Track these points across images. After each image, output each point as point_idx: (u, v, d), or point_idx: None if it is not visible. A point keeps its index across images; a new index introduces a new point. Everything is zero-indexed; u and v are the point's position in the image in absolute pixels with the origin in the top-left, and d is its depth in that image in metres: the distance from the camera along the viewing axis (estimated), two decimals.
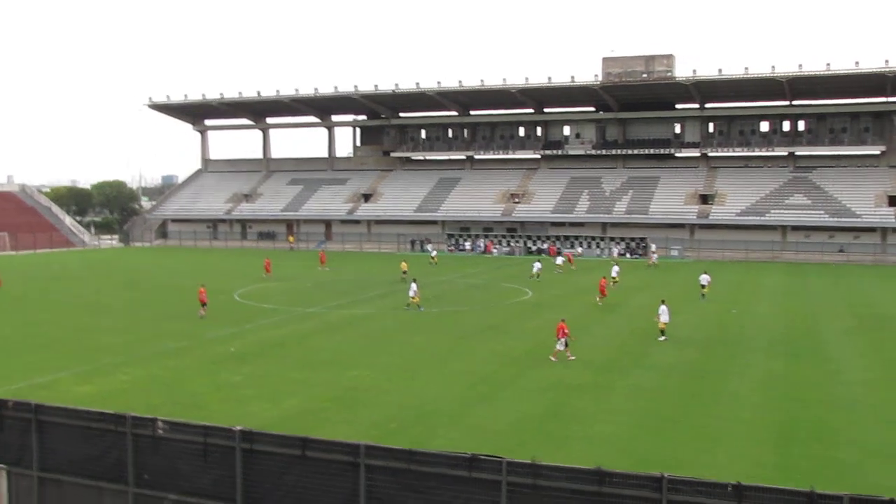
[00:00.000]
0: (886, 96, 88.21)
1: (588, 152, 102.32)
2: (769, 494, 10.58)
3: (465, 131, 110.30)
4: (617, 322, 38.75)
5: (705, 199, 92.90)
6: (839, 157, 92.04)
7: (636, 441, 19.68)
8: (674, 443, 19.60)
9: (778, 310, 43.16)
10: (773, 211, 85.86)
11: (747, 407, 22.98)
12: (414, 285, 41.71)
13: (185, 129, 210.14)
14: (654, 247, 70.00)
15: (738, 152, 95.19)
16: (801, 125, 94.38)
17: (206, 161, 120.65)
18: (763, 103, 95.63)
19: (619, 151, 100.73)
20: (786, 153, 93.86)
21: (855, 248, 79.82)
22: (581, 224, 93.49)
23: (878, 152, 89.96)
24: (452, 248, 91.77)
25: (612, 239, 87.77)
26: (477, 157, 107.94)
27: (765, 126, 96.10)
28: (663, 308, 33.52)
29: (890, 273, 66.59)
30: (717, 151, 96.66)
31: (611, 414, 22.21)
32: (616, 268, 55.34)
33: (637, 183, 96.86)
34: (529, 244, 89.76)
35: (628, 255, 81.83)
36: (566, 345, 29.10)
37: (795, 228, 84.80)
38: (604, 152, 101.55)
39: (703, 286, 47.38)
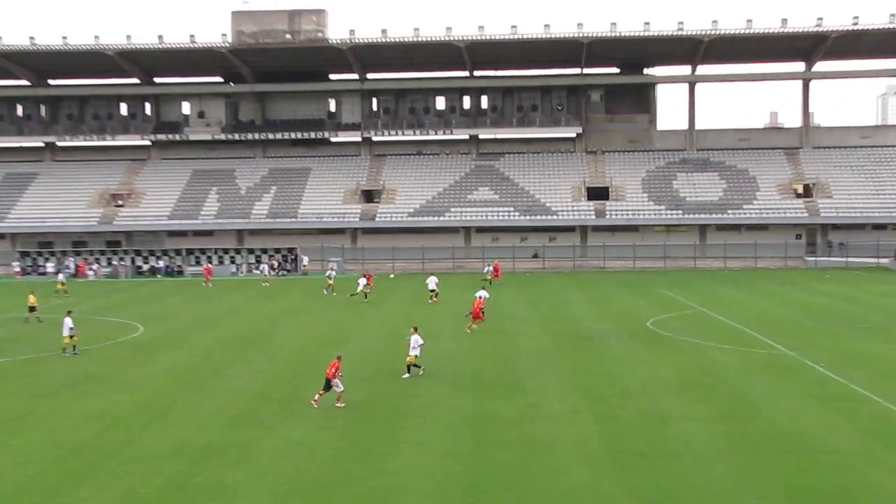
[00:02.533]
0: (581, 67, 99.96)
1: (216, 137, 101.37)
2: None
3: (44, 108, 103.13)
4: (259, 357, 39.14)
5: (370, 195, 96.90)
6: (530, 142, 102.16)
7: None
8: None
9: (463, 332, 46.61)
10: (454, 209, 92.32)
11: (432, 456, 23.90)
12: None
13: None
14: (488, 268, 71.33)
15: (409, 136, 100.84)
16: (485, 102, 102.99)
17: None
18: (439, 74, 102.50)
19: (257, 136, 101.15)
20: (467, 136, 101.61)
21: (552, 251, 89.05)
22: (209, 233, 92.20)
23: (573, 135, 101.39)
24: (29, 269, 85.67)
25: (250, 251, 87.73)
26: (61, 143, 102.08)
27: (441, 103, 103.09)
28: (415, 337, 35.03)
29: (590, 280, 75.13)
30: (382, 135, 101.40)
31: (253, 482, 21.97)
32: (433, 279, 61.61)
33: (282, 177, 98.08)
34: (140, 261, 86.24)
35: (274, 271, 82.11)
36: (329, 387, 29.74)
37: (482, 230, 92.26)
38: (237, 137, 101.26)
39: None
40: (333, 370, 29.82)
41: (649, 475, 22.06)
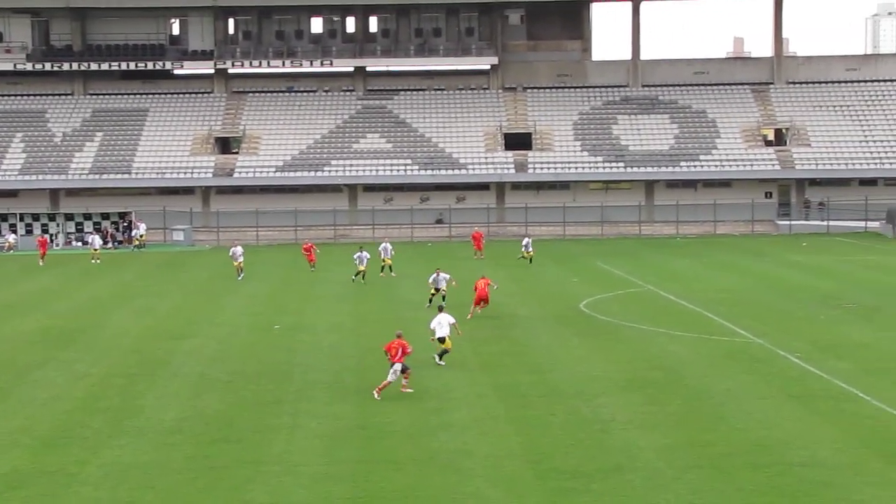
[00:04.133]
0: None
1: (19, 67, 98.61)
2: None
3: None
4: (81, 357, 38.69)
5: (226, 144, 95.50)
6: (431, 75, 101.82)
7: None
8: None
9: (346, 319, 46.87)
10: (335, 162, 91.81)
11: (305, 479, 23.91)
12: None
13: None
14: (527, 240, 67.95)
15: (277, 68, 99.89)
16: (374, 24, 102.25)
17: None
18: None
19: (75, 66, 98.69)
20: (351, 69, 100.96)
21: (460, 215, 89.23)
22: (13, 193, 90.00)
23: (487, 67, 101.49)
24: None
25: (69, 217, 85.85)
26: None
27: (317, 25, 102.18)
28: (441, 318, 36.00)
29: (509, 252, 75.37)
30: (242, 66, 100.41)
31: None
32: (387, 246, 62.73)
33: (110, 120, 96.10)
34: None
35: (108, 243, 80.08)
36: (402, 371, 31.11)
37: (371, 189, 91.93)
38: (48, 67, 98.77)
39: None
40: (400, 352, 30.91)
41: (586, 499, 22.13)
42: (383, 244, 63.44)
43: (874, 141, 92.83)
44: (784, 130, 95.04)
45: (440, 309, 37.40)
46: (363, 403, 30.86)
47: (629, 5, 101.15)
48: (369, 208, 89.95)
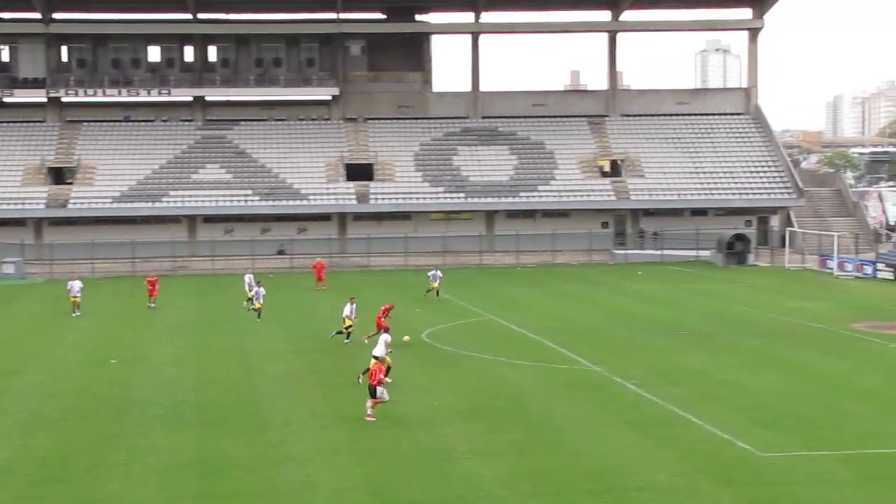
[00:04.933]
0: (337, 11, 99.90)
1: None
2: None
3: None
4: None
5: (60, 175, 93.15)
6: (272, 106, 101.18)
7: None
8: None
9: (187, 352, 46.31)
10: (173, 193, 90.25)
11: None
12: None
13: None
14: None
15: (113, 96, 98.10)
16: (213, 54, 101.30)
17: None
18: (152, 16, 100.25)
19: None
20: (190, 98, 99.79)
21: (302, 245, 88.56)
22: None
23: (328, 97, 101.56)
24: None
25: None
26: None
27: (155, 54, 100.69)
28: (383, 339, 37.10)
29: (351, 282, 75.20)
30: (76, 95, 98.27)
31: None
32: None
33: None
34: None
35: None
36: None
37: (211, 219, 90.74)
38: None
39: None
40: (380, 377, 32.10)
41: None
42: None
43: (704, 172, 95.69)
44: (619, 162, 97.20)
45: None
46: (203, 437, 30.41)
47: (469, 37, 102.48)
48: (209, 239, 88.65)
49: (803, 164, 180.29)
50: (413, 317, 56.15)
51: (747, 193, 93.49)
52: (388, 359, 36.24)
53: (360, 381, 35.58)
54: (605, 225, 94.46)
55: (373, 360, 34.67)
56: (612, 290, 69.00)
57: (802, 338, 48.60)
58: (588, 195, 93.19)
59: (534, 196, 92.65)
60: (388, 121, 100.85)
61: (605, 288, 70.49)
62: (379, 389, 31.86)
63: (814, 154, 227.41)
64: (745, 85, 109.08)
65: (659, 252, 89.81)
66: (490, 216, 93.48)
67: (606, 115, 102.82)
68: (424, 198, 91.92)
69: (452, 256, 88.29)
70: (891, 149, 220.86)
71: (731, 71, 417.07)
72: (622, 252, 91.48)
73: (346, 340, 46.81)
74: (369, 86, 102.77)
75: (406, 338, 44.05)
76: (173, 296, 65.12)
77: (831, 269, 78.31)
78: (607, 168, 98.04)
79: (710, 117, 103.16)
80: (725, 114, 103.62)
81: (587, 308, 60.22)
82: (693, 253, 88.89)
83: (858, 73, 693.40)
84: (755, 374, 39.66)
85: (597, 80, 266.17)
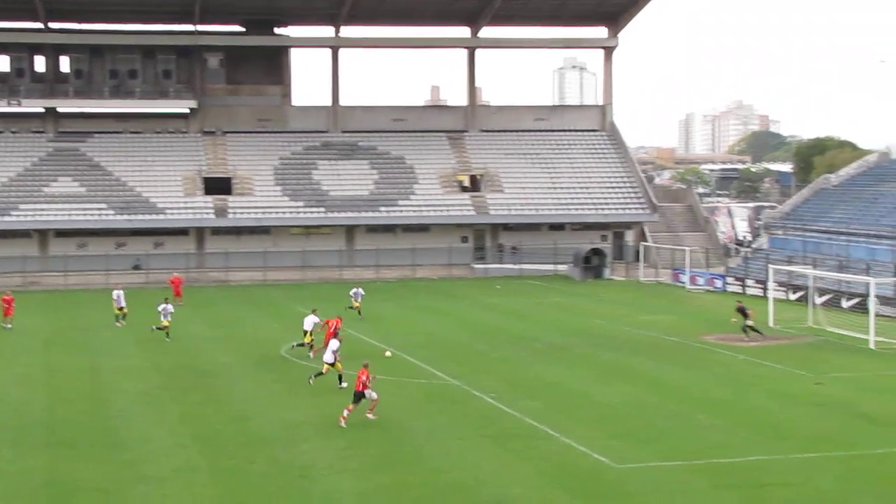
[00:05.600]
0: (195, 22, 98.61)
1: None
2: None
3: None
4: None
5: None
6: (127, 118, 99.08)
7: None
8: None
9: (37, 371, 45.61)
10: (23, 206, 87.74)
11: None
12: None
13: None
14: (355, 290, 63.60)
15: None
16: (65, 64, 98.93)
17: None
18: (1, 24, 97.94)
19: None
20: (41, 109, 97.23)
21: (158, 261, 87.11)
22: None
23: (186, 110, 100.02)
24: None
25: None
26: None
27: (4, 64, 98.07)
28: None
29: (209, 298, 74.45)
30: None
31: None
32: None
33: None
34: None
35: None
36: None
37: (63, 234, 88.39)
38: None
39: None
40: (364, 380, 33.22)
41: None
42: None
43: (561, 188, 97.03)
44: (479, 176, 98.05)
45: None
46: (55, 458, 29.82)
47: (329, 51, 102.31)
48: (61, 254, 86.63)
49: (657, 180, 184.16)
50: (271, 333, 55.85)
51: (603, 208, 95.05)
52: (338, 365, 38.59)
53: (311, 382, 39.30)
54: (464, 239, 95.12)
55: (325, 366, 38.82)
56: (472, 304, 69.60)
57: (656, 350, 49.83)
58: (448, 210, 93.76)
59: (394, 211, 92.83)
60: (247, 134, 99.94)
61: (464, 302, 71.05)
62: (367, 392, 33.16)
63: (667, 170, 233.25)
64: (601, 102, 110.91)
65: (517, 266, 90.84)
66: (350, 231, 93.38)
67: (466, 131, 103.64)
68: (284, 212, 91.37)
69: (312, 271, 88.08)
70: (739, 165, 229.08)
71: (587, 88, 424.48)
72: (481, 266, 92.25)
73: (310, 353, 46.65)
74: (228, 99, 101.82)
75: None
76: (24, 313, 63.18)
77: (683, 282, 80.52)
78: (467, 183, 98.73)
79: (568, 133, 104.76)
80: (582, 130, 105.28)
81: (447, 322, 60.64)
82: (551, 267, 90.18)
83: (709, 92, 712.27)
84: (610, 386, 40.56)
85: (457, 96, 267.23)
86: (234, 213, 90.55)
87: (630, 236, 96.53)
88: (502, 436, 32.00)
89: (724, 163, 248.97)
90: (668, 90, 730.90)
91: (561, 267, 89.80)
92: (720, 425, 33.66)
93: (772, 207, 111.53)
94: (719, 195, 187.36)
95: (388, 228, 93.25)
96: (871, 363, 46.53)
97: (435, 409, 35.92)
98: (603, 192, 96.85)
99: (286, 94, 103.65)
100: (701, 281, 79.38)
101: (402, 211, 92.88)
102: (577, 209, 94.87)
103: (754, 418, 34.69)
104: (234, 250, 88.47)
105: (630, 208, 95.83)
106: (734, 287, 76.05)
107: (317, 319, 48.38)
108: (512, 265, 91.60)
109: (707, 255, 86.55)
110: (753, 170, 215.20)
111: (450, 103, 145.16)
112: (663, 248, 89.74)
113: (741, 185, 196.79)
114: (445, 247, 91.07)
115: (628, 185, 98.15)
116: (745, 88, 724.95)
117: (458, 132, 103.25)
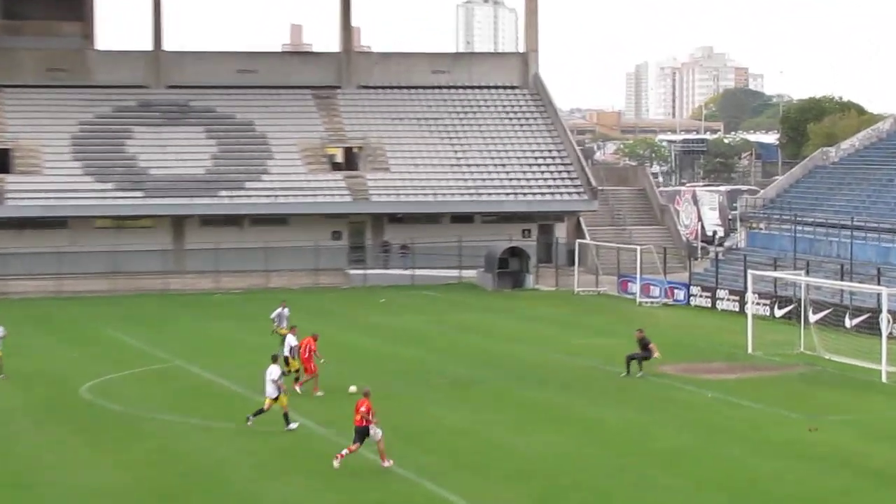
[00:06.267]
0: None
1: None
2: None
3: None
4: None
5: None
6: None
7: None
8: None
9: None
10: None
11: None
12: None
13: None
14: None
15: None
16: None
17: None
18: None
19: None
20: None
21: None
22: None
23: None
24: None
25: None
26: None
27: None
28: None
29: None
30: None
31: None
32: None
33: None
34: None
35: None
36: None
37: None
38: None
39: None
40: (364, 414, 34.32)
41: None
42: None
43: (468, 165, 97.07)
44: (356, 150, 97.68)
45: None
46: None
47: None
48: None
49: (598, 155, 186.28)
50: (69, 364, 55.01)
51: (525, 193, 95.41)
52: (283, 398, 40.66)
53: (250, 423, 40.42)
54: (336, 235, 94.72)
55: (268, 401, 40.42)
56: (346, 324, 69.44)
57: (595, 385, 50.12)
58: (314, 195, 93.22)
59: (239, 196, 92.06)
60: (34, 89, 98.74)
61: (336, 320, 70.80)
62: (371, 429, 34.30)
63: (611, 141, 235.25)
64: (521, 49, 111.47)
65: (409, 272, 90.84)
66: (179, 223, 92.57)
67: (339, 87, 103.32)
68: (86, 197, 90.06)
69: (126, 279, 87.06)
70: (708, 135, 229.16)
71: (504, 30, 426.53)
72: (360, 272, 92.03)
73: (296, 387, 47.38)
74: (6, 40, 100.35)
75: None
76: None
77: (633, 294, 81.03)
78: (339, 158, 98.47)
79: (477, 91, 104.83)
80: (496, 87, 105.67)
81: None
82: (455, 273, 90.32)
83: (667, 36, 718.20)
84: (532, 433, 40.56)
85: (326, 40, 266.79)
86: (14, 198, 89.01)
87: (561, 231, 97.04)
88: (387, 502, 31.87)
89: (687, 131, 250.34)
90: (614, 34, 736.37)
91: (468, 273, 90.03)
92: (680, 486, 33.74)
93: (751, 192, 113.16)
94: (681, 176, 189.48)
95: (232, 220, 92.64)
96: (882, 402, 46.94)
97: (292, 469, 35.62)
98: (524, 172, 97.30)
99: (88, 35, 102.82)
100: (656, 291, 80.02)
101: (250, 196, 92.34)
102: (489, 194, 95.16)
103: (726, 476, 34.80)
104: (14, 250, 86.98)
105: (561, 193, 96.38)
106: (701, 299, 76.76)
107: (294, 342, 48.66)
108: (402, 270, 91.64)
109: (665, 257, 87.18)
110: (727, 141, 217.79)
111: (316, 49, 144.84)
112: (606, 246, 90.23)
113: (710, 161, 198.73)
114: (311, 245, 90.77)
115: (559, 161, 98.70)
116: (715, 34, 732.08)
117: (328, 88, 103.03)
